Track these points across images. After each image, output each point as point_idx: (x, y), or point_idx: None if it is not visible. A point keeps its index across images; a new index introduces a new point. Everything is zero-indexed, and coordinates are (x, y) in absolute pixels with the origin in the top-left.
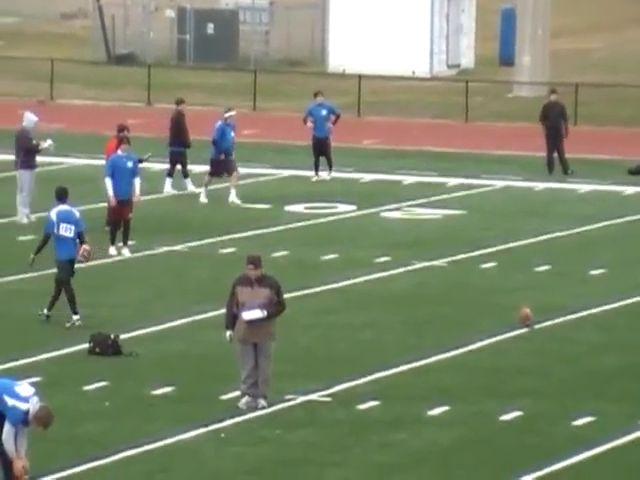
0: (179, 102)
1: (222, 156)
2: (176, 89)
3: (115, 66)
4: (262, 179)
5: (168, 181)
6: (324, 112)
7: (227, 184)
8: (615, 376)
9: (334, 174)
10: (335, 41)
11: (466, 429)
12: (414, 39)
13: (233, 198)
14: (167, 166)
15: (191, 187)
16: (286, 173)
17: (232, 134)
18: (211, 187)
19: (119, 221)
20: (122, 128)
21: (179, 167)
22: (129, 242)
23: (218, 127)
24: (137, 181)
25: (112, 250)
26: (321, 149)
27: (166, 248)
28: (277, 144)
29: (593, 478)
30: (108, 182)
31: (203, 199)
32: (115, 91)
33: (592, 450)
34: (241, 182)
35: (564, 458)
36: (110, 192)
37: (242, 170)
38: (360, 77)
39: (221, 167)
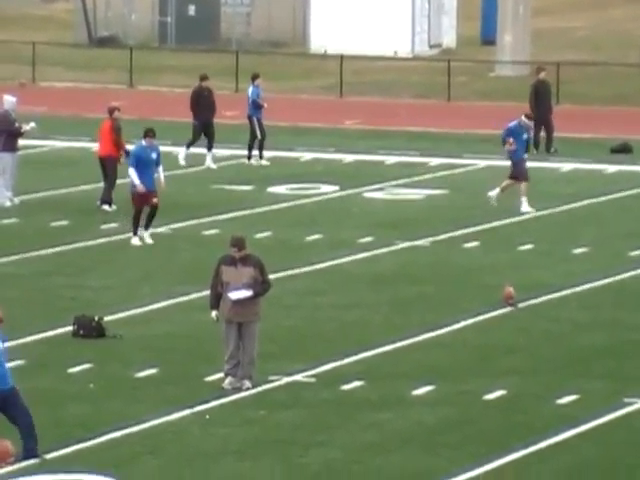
0: (203, 78)
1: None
2: (158, 71)
3: (97, 48)
4: (245, 160)
5: (209, 155)
6: (261, 94)
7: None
8: (600, 354)
9: (318, 155)
10: (317, 22)
11: (451, 408)
12: (396, 19)
13: (526, 208)
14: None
15: (209, 162)
16: (268, 154)
17: (524, 136)
18: (191, 169)
19: (141, 210)
20: (113, 109)
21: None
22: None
23: (512, 127)
24: (161, 169)
25: (135, 240)
26: (263, 132)
27: (150, 230)
28: None
29: (578, 456)
30: (132, 172)
31: (494, 202)
32: (97, 73)
33: (577, 428)
34: (224, 163)
35: (549, 436)
36: (136, 181)
37: (224, 152)
38: (342, 57)
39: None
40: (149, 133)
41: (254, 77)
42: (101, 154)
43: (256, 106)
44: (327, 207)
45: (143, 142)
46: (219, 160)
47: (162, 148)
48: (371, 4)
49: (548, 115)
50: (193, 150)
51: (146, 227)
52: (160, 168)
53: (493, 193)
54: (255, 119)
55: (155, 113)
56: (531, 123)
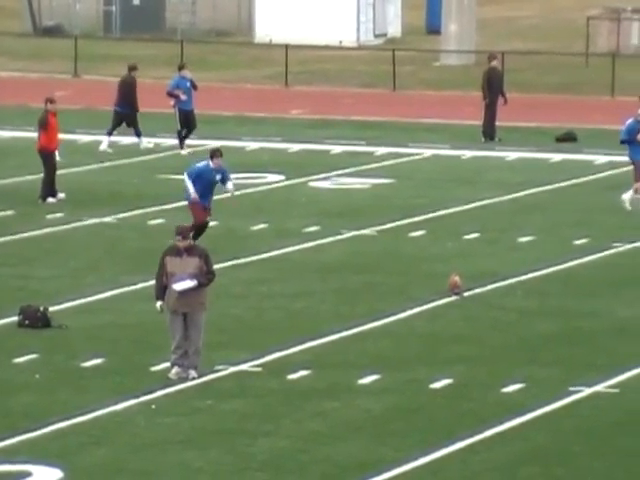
0: (132, 68)
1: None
2: (103, 60)
3: (42, 38)
4: (190, 150)
5: (106, 139)
6: (188, 84)
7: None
8: (546, 342)
9: (264, 144)
10: (262, 11)
11: (398, 397)
12: (341, 8)
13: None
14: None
15: (145, 144)
16: (214, 144)
17: None
18: (142, 158)
19: (204, 225)
20: (46, 101)
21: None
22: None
23: (629, 126)
24: (230, 184)
25: None
26: (188, 122)
27: (96, 220)
28: (205, 115)
29: (525, 444)
30: (188, 182)
31: (628, 206)
32: (42, 63)
33: (524, 416)
34: (169, 153)
35: (495, 425)
36: (191, 189)
37: (169, 141)
38: (287, 47)
39: None
40: (216, 153)
41: (179, 67)
42: (37, 147)
43: (173, 96)
44: (273, 196)
45: (210, 163)
46: (165, 150)
47: (108, 138)
48: None
49: (496, 103)
50: (137, 140)
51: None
52: (229, 183)
53: (626, 196)
54: (177, 109)
55: (100, 102)
56: None
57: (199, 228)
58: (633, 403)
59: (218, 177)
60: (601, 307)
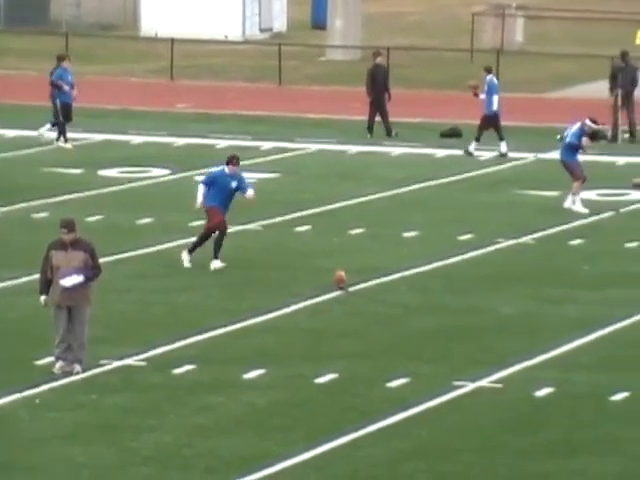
0: (61, 58)
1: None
2: None
3: None
4: (75, 143)
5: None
6: (70, 78)
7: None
8: (430, 338)
9: (149, 138)
10: (147, 5)
11: (282, 392)
12: (226, 2)
13: (570, 204)
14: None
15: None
16: (99, 137)
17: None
18: (27, 151)
19: (222, 228)
20: None
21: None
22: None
23: (579, 130)
24: (250, 191)
25: (217, 263)
26: (68, 115)
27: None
28: (90, 108)
29: (408, 439)
30: (200, 188)
31: (580, 208)
32: None
33: (407, 411)
34: (53, 146)
35: (379, 420)
36: (199, 198)
37: (54, 135)
38: (172, 41)
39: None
40: (232, 160)
41: (60, 58)
42: None
43: (56, 87)
44: (158, 191)
45: (226, 169)
46: (48, 143)
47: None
48: None
49: (382, 99)
50: (25, 133)
51: (215, 255)
52: (250, 191)
53: (574, 207)
54: (58, 101)
55: None
56: (595, 126)
57: (210, 230)
58: (515, 400)
59: (234, 184)
60: (484, 303)
